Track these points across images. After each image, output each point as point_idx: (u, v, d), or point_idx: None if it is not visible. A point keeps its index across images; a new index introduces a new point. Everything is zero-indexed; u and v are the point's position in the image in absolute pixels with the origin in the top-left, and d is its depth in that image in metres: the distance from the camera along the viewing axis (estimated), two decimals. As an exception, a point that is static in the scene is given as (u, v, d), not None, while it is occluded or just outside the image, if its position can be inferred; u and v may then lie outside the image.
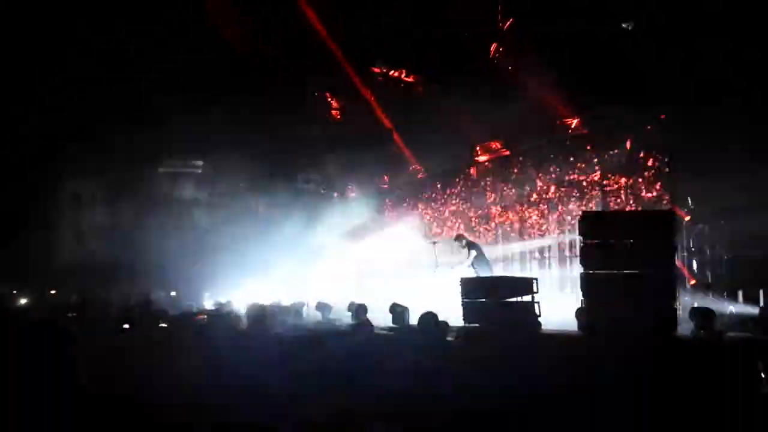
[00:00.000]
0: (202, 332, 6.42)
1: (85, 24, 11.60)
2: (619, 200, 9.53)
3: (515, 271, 11.00)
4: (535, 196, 11.04)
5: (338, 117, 14.21)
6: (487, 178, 12.21)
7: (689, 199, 8.31)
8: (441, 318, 5.36)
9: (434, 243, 10.52)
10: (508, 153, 11.67)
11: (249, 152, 13.59)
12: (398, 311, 6.29)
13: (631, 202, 9.32)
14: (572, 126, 10.16)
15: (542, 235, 10.84)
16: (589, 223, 6.44)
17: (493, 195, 12.01)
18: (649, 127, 8.95)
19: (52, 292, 13.11)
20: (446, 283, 9.40)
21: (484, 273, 9.10)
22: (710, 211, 8.09)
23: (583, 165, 10.13)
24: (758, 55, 7.34)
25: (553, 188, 10.67)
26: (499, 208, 11.82)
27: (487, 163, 12.16)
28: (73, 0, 11.42)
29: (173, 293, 13.76)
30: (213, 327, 6.71)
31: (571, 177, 10.29)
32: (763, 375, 4.02)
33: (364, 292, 12.32)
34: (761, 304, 7.18)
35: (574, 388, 4.39)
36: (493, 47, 10.82)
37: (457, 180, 12.91)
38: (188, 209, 15.05)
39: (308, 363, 4.78)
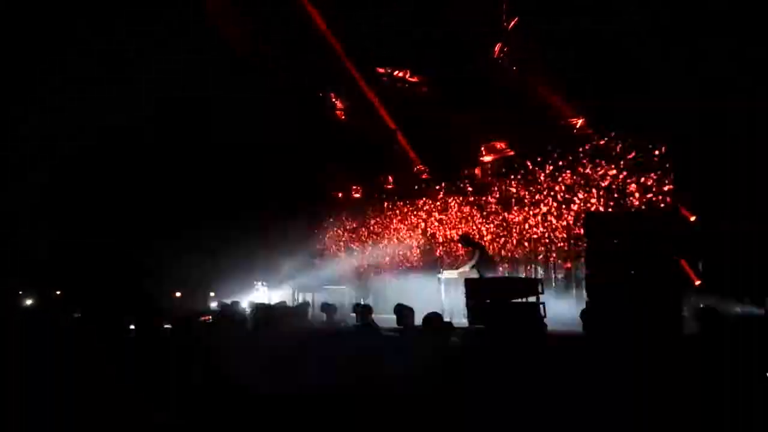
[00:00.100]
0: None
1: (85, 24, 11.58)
2: (624, 200, 9.50)
3: (520, 272, 10.98)
4: (539, 196, 11.01)
5: (342, 118, 14.18)
6: (492, 178, 12.18)
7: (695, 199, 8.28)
8: (446, 319, 5.33)
9: (438, 244, 10.50)
10: (513, 153, 11.64)
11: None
12: (403, 312, 6.24)
13: (637, 202, 9.29)
14: (577, 126, 10.16)
15: (547, 236, 10.80)
16: (594, 224, 6.42)
17: (497, 195, 11.97)
18: (654, 127, 8.92)
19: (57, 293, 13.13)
20: (451, 283, 9.40)
21: (489, 274, 9.08)
22: (717, 211, 8.05)
23: (589, 165, 10.10)
24: (763, 53, 7.33)
25: (557, 188, 10.64)
26: (504, 208, 11.79)
27: (492, 163, 12.13)
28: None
29: (178, 294, 13.77)
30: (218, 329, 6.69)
31: (576, 177, 10.26)
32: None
33: (369, 293, 12.34)
34: (767, 305, 7.15)
35: (577, 388, 4.36)
36: (497, 47, 10.79)
37: (462, 180, 12.88)
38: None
39: (315, 363, 4.75)
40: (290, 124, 13.74)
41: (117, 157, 13.82)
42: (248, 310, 8.01)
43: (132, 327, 5.63)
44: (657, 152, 9.06)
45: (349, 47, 12.65)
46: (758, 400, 3.79)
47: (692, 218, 8.27)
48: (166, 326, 5.95)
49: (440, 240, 13.00)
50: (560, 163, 10.56)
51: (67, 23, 11.54)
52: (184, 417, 4.05)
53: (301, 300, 12.01)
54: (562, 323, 6.96)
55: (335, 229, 16.01)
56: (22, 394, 3.94)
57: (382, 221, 14.72)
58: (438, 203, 13.33)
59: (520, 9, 10.25)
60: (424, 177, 13.73)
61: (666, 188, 8.89)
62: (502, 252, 11.51)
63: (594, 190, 9.99)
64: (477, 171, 12.40)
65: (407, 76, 12.48)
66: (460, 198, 12.75)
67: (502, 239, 11.64)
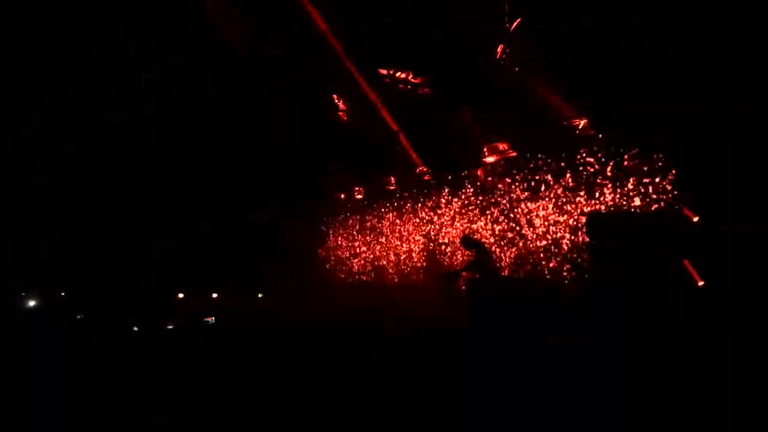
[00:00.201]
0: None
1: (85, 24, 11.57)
2: (627, 201, 9.49)
3: (522, 273, 10.98)
4: (542, 196, 11.01)
5: (343, 118, 14.17)
6: (495, 179, 12.18)
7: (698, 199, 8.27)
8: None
9: (442, 245, 10.52)
10: (515, 154, 11.64)
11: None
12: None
13: (639, 202, 9.28)
14: (579, 126, 10.15)
15: (549, 236, 10.80)
16: (596, 224, 6.42)
17: (500, 196, 11.98)
18: (656, 127, 8.91)
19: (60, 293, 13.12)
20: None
21: (491, 274, 9.08)
22: (719, 212, 8.04)
23: (591, 165, 10.10)
24: (763, 53, 7.32)
25: (560, 189, 10.65)
26: (506, 209, 11.79)
27: (494, 164, 12.13)
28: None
29: (180, 295, 13.76)
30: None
31: (579, 177, 10.26)
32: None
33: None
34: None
35: (579, 389, 4.37)
36: (499, 48, 10.77)
37: (464, 181, 12.89)
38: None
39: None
40: (290, 124, 13.73)
41: (117, 157, 13.81)
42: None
43: (135, 329, 5.65)
44: (657, 152, 9.06)
45: (349, 47, 12.63)
46: (758, 401, 3.79)
47: (695, 219, 8.26)
48: (168, 327, 5.95)
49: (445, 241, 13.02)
50: (561, 164, 10.56)
51: (67, 23, 11.53)
52: (184, 417, 4.05)
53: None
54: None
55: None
56: (23, 394, 3.94)
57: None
58: (440, 204, 13.32)
59: (520, 9, 10.23)
60: (426, 178, 13.73)
61: (666, 188, 8.88)
62: (504, 256, 11.52)
63: (595, 191, 9.99)
64: (479, 172, 12.40)
65: (410, 77, 12.47)
66: (463, 199, 12.75)
67: (506, 240, 11.64)
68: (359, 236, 15.36)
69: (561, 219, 10.57)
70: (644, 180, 9.22)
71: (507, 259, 11.46)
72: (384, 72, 12.55)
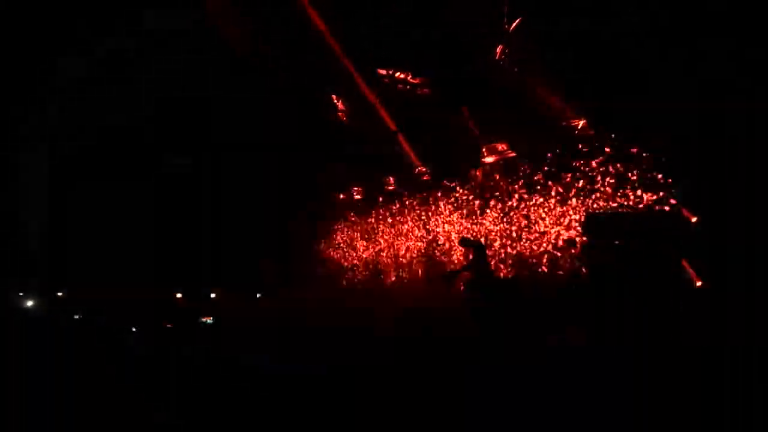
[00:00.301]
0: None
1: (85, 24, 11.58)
2: (625, 201, 9.51)
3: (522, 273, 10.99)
4: (540, 197, 11.03)
5: (343, 118, 14.18)
6: (493, 180, 12.19)
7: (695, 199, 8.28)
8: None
9: (441, 245, 10.52)
10: (514, 154, 11.65)
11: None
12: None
13: (637, 202, 9.29)
14: (578, 127, 10.16)
15: (548, 237, 10.82)
16: (594, 225, 6.43)
17: (498, 196, 11.99)
18: (655, 128, 8.92)
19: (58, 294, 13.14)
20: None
21: (489, 275, 9.06)
22: (718, 212, 8.06)
23: (590, 166, 10.12)
24: (762, 53, 7.34)
25: (558, 189, 10.66)
26: (505, 209, 11.80)
27: (492, 164, 12.14)
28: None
29: (179, 295, 13.80)
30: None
31: (577, 178, 10.27)
32: None
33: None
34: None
35: (580, 389, 4.38)
36: (498, 49, 10.79)
37: (463, 181, 12.90)
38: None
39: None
40: (290, 124, 13.74)
41: (117, 157, 13.83)
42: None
43: (134, 329, 5.66)
44: (656, 153, 9.07)
45: (348, 48, 12.65)
46: (758, 401, 3.81)
47: (693, 219, 8.28)
48: (168, 326, 5.97)
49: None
50: (560, 164, 10.57)
51: (67, 23, 11.54)
52: (184, 417, 4.07)
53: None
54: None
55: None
56: (23, 394, 3.95)
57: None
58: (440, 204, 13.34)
59: (519, 10, 10.24)
60: (425, 178, 13.74)
61: (665, 189, 8.89)
62: (503, 253, 11.53)
63: (593, 191, 10.00)
64: (478, 173, 12.41)
65: (409, 77, 12.48)
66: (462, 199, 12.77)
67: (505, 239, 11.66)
68: (359, 236, 15.38)
69: (560, 219, 10.58)
70: (643, 180, 9.22)
71: (506, 259, 11.47)
72: (383, 72, 12.56)
